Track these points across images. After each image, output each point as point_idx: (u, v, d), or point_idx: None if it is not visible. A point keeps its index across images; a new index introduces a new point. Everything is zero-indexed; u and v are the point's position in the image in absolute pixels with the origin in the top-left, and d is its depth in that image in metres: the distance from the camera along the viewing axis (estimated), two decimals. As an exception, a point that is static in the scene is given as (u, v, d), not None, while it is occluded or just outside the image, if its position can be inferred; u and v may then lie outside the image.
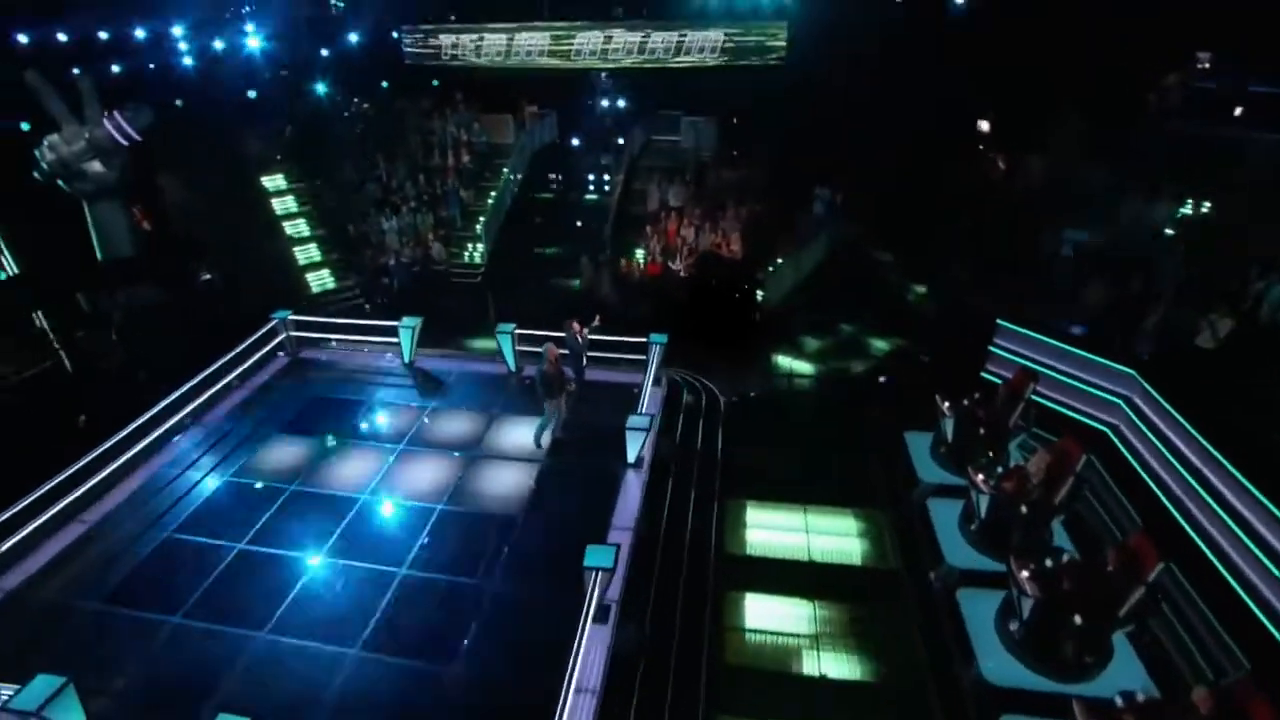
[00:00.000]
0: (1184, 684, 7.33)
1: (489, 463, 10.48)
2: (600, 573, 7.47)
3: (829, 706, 7.57)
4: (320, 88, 22.25)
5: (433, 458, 10.57)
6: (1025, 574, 7.90)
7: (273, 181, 18.33)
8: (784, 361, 14.26)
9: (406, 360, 13.15)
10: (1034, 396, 10.68)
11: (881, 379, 12.04)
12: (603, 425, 10.35)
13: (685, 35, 17.93)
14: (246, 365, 12.47)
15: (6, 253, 17.28)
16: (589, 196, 20.93)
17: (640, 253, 16.24)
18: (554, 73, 20.32)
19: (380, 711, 6.96)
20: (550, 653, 6.99)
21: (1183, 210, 13.07)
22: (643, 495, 9.76)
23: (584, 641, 7.06)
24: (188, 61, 19.92)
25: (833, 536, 9.89)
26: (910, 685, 7.77)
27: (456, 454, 10.64)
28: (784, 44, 18.08)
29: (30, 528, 8.77)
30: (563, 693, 6.46)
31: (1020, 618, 7.96)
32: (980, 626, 8.19)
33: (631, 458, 10.19)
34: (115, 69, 18.06)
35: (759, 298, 14.82)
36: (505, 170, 19.11)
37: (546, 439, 10.50)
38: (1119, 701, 6.58)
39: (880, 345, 14.50)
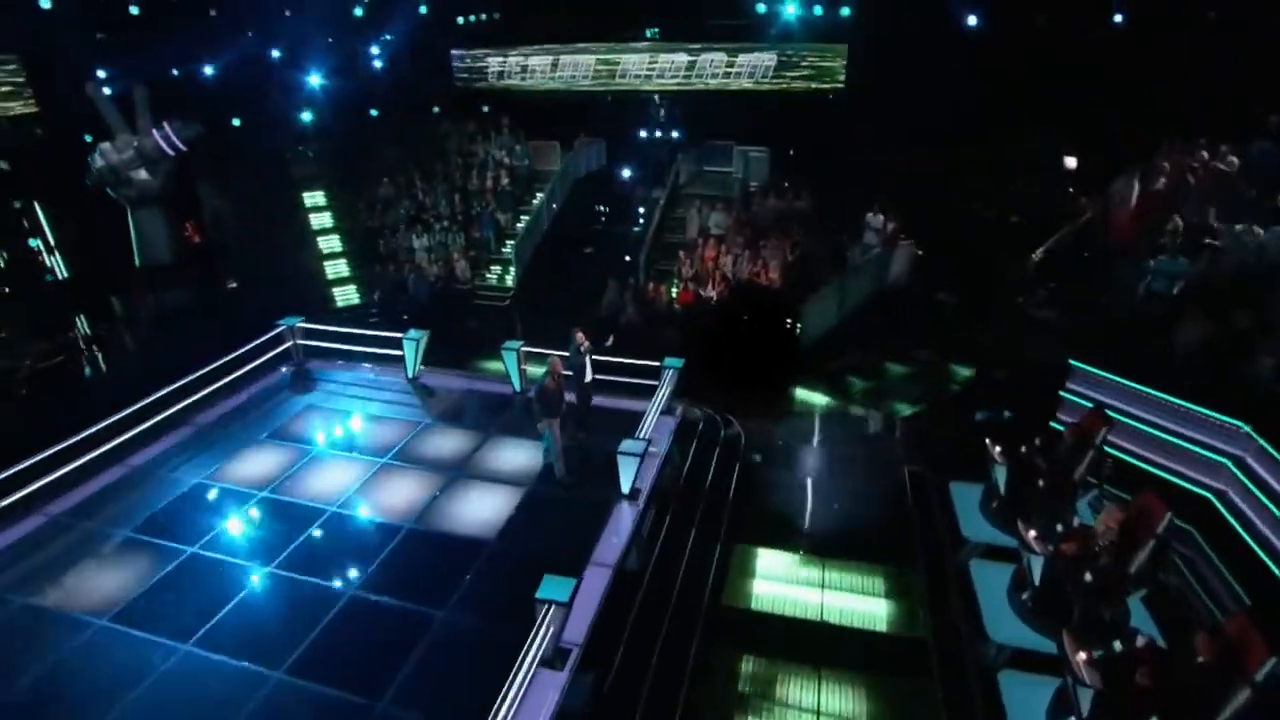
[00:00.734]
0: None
1: (472, 484, 10.02)
2: (554, 607, 6.68)
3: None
4: (373, 112, 23.41)
5: (414, 474, 10.25)
6: (1083, 657, 6.59)
7: (312, 198, 19.02)
8: (819, 399, 13.26)
9: (410, 375, 12.98)
10: (1109, 447, 9.32)
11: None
12: (605, 454, 9.66)
13: (736, 57, 17.78)
14: (247, 369, 12.55)
15: (59, 256, 18.59)
16: (635, 229, 20.75)
17: (675, 281, 15.73)
18: (603, 96, 20.62)
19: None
20: (493, 697, 6.21)
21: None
22: (633, 530, 8.98)
23: (524, 689, 6.25)
24: (246, 83, 21.29)
25: (853, 595, 8.75)
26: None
27: (438, 472, 10.22)
28: (842, 67, 17.65)
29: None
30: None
31: (1077, 715, 6.60)
32: None
33: (625, 487, 9.47)
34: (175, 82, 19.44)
35: (797, 331, 13.98)
36: (541, 195, 19.18)
37: (560, 468, 9.87)
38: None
39: (933, 387, 13.30)
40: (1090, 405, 10.12)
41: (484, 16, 20.56)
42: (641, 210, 20.62)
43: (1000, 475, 9.38)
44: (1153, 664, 6.61)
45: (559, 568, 7.78)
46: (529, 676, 6.35)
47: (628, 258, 17.53)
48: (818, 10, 17.47)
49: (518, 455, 10.62)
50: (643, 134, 22.76)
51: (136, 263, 17.40)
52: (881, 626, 8.36)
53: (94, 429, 9.92)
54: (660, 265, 16.81)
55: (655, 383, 11.29)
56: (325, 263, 18.23)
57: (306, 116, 22.44)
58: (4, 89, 15.53)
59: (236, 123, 21.18)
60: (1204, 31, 14.89)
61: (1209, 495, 9.57)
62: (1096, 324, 11.61)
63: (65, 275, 18.24)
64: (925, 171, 16.34)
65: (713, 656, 7.86)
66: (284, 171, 19.79)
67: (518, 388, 12.37)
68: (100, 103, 16.08)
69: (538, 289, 18.05)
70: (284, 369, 13.30)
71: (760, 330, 13.80)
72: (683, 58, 18.15)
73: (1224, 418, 9.46)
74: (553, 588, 6.85)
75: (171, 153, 16.86)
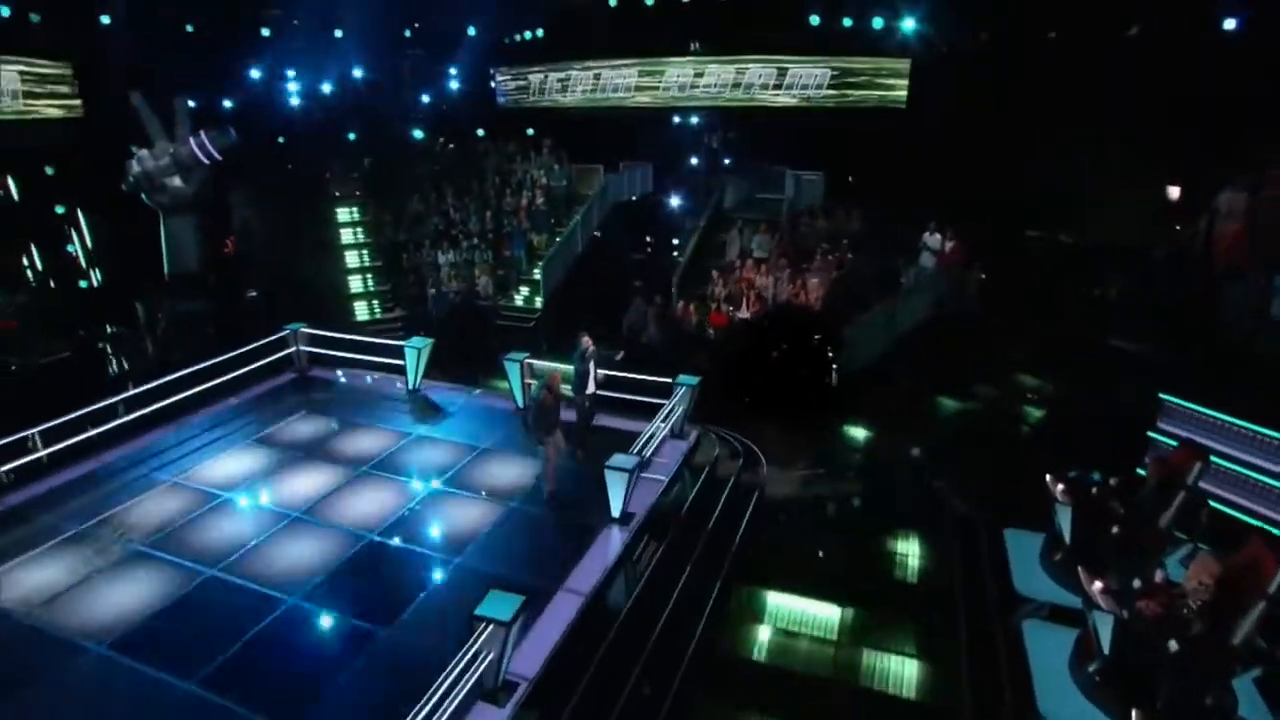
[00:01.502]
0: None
1: (451, 498, 9.55)
2: (492, 628, 5.93)
3: None
4: (417, 133, 24.20)
5: (391, 485, 9.89)
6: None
7: (346, 212, 19.54)
8: (858, 432, 12.20)
9: (411, 386, 12.72)
10: (1203, 489, 7.99)
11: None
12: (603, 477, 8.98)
13: (786, 69, 17.44)
14: (245, 371, 12.53)
15: (96, 263, 19.56)
16: (676, 254, 20.38)
17: (708, 302, 15.12)
18: (648, 116, 20.62)
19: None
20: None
21: None
22: (618, 556, 8.19)
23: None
24: (294, 102, 22.38)
25: (877, 652, 7.61)
26: None
27: (418, 484, 9.82)
28: (905, 82, 17.04)
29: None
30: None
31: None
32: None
33: (615, 509, 8.72)
34: (225, 103, 20.54)
35: (836, 357, 13.07)
36: (576, 216, 19.08)
37: (549, 487, 9.28)
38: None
39: (996, 428, 12.05)
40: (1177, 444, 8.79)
41: (529, 35, 21.02)
42: (683, 236, 20.25)
43: (1065, 520, 8.14)
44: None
45: (525, 590, 7.13)
46: (454, 706, 5.57)
47: (662, 280, 17.04)
48: (877, 23, 17.01)
49: (508, 471, 10.09)
50: (690, 158, 22.68)
51: (166, 271, 18.13)
52: (908, 691, 7.18)
53: (60, 420, 9.89)
54: (696, 290, 16.24)
55: (663, 401, 10.57)
56: (349, 276, 18.52)
57: (352, 136, 23.42)
58: (52, 91, 16.61)
59: (281, 140, 22.19)
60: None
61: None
62: (1196, 354, 10.25)
63: (99, 283, 19.14)
64: (993, 193, 15.38)
65: (695, 708, 6.87)
66: (321, 188, 20.49)
67: (520, 403, 11.86)
68: (142, 110, 17.02)
69: (566, 312, 17.71)
70: (287, 374, 13.27)
71: (795, 354, 12.95)
72: (729, 71, 17.92)
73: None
74: (496, 604, 6.12)
75: (206, 161, 17.63)
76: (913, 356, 13.31)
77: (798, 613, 8.17)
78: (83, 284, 18.72)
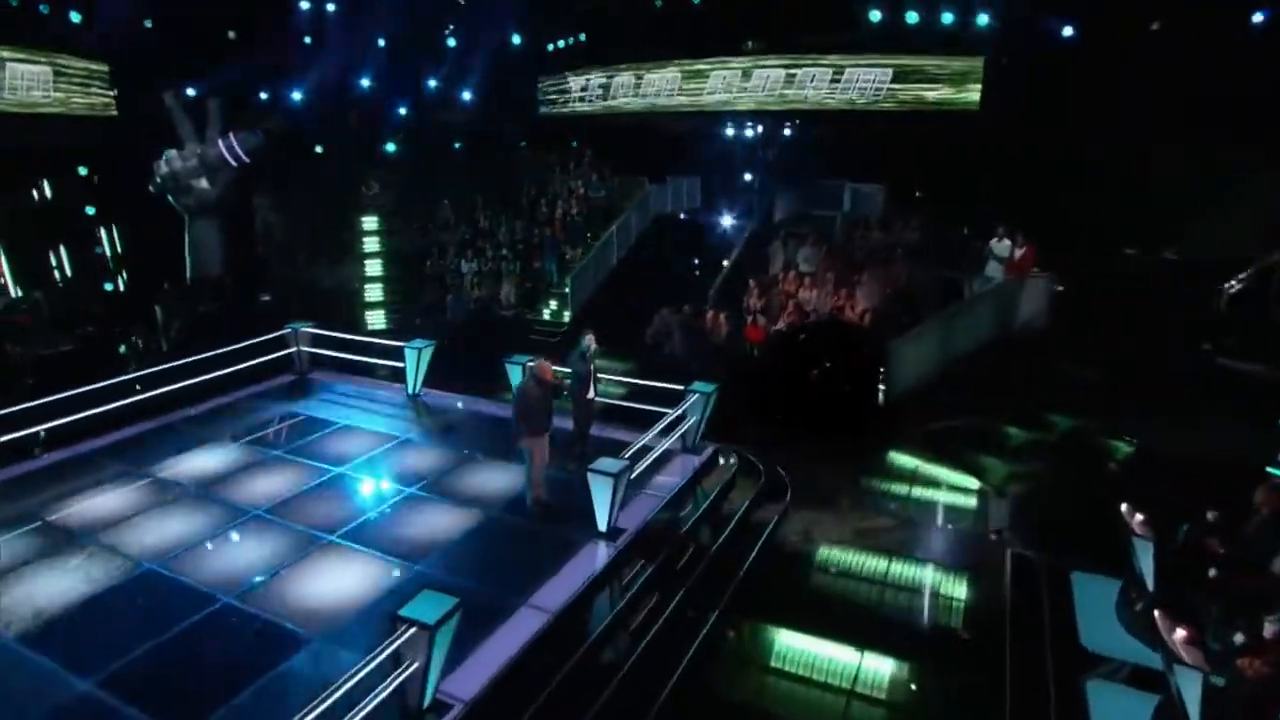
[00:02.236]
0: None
1: (425, 503, 9.14)
2: (414, 631, 5.29)
3: None
4: (456, 145, 24.63)
5: (364, 487, 9.60)
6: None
7: (369, 221, 19.83)
8: (904, 460, 11.15)
9: (411, 390, 12.46)
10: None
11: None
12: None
13: (842, 70, 16.89)
14: (242, 367, 12.55)
15: (123, 267, 20.32)
16: (720, 271, 19.82)
17: (747, 314, 14.40)
18: (694, 123, 20.38)
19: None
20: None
21: None
22: (598, 574, 7.48)
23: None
24: (330, 108, 23.07)
25: (902, 711, 6.57)
26: None
27: (393, 487, 9.47)
28: (978, 83, 16.26)
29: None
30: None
31: None
32: None
33: (601, 522, 8.01)
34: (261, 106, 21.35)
35: (884, 378, 12.14)
36: (611, 228, 18.79)
37: (532, 496, 8.63)
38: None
39: (1074, 464, 10.81)
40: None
41: (571, 40, 21.23)
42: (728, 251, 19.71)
43: (1147, 560, 6.99)
44: None
45: (480, 602, 6.63)
46: (359, 722, 4.92)
47: (698, 295, 16.45)
48: (947, 18, 16.33)
49: (496, 479, 9.61)
50: (743, 172, 22.28)
51: (188, 274, 18.66)
52: (937, 758, 6.13)
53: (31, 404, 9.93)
54: (733, 303, 15.57)
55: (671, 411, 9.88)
56: (367, 284, 18.65)
57: (390, 147, 24.00)
58: (86, 89, 17.51)
59: (319, 150, 22.89)
60: None
61: None
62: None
63: (124, 284, 19.83)
64: (1077, 202, 14.34)
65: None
66: (351, 196, 20.91)
67: (521, 410, 11.35)
68: (174, 110, 17.77)
69: (596, 328, 17.29)
70: (286, 377, 13.25)
71: (837, 371, 12.06)
72: (779, 72, 17.48)
73: None
74: (425, 605, 5.49)
75: (234, 163, 18.22)
76: (972, 377, 12.20)
77: (807, 655, 7.20)
78: (108, 286, 19.41)
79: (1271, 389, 9.88)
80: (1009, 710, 6.39)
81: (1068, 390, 11.70)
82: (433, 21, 23.81)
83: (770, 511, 9.55)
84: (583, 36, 20.90)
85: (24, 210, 18.17)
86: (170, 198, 18.05)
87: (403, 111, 23.53)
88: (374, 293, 18.67)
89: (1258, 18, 14.42)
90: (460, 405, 12.25)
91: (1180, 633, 5.77)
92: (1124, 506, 7.24)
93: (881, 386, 12.26)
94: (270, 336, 13.16)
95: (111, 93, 17.60)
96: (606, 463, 7.92)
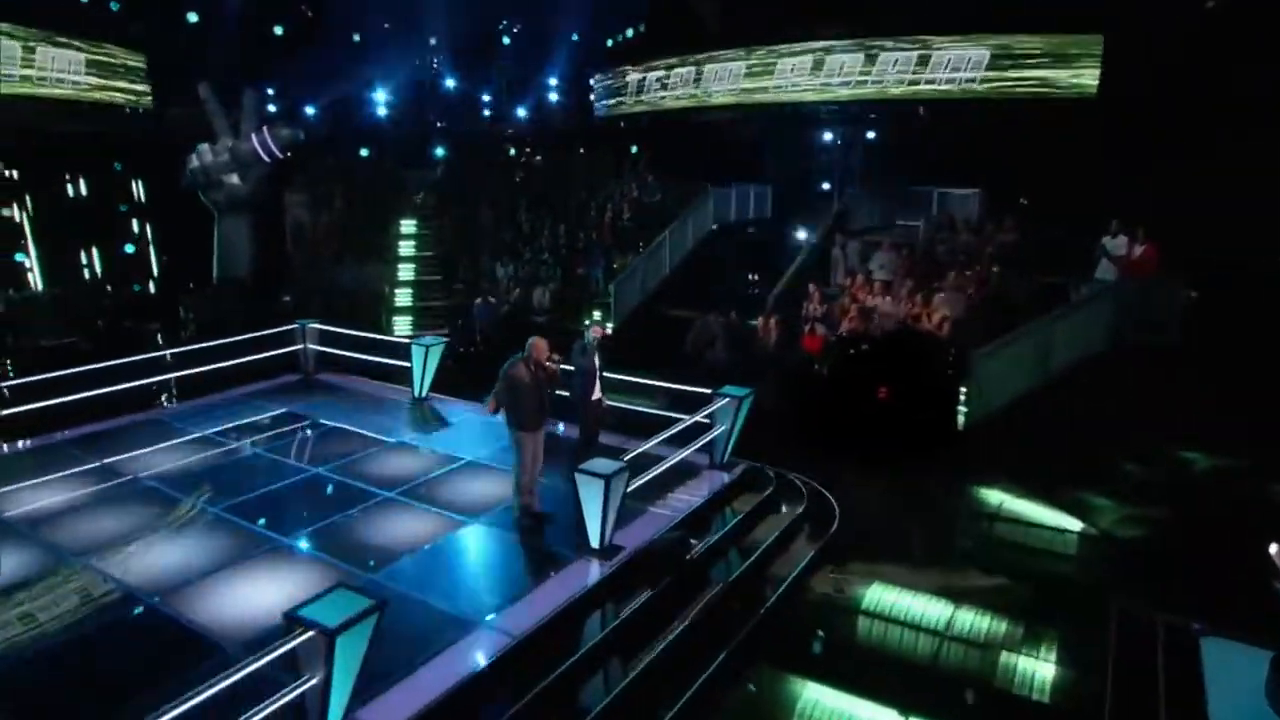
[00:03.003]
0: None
1: (401, 508, 8.60)
2: (311, 636, 4.62)
3: None
4: (511, 151, 24.86)
5: (337, 490, 9.09)
6: None
7: (408, 224, 19.97)
8: (988, 496, 9.92)
9: (418, 394, 12.11)
10: None
11: None
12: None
13: (930, 52, 15.96)
14: (234, 363, 12.47)
15: (156, 268, 21.06)
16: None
17: (805, 322, 13.51)
18: (764, 125, 19.81)
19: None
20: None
21: None
22: (579, 597, 6.67)
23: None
24: (381, 112, 23.71)
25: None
26: None
27: (371, 490, 8.94)
28: (1095, 66, 15.07)
29: None
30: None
31: None
32: None
33: (593, 537, 7.21)
34: (308, 109, 22.05)
35: (965, 398, 11.00)
36: (663, 234, 18.23)
37: (519, 504, 7.89)
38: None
39: (1192, 502, 9.35)
40: None
41: (629, 32, 21.11)
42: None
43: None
44: None
45: (432, 617, 6.20)
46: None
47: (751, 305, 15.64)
48: (1059, -10, 15.31)
49: (488, 487, 9.03)
50: (819, 180, 21.53)
51: (214, 274, 19.09)
52: None
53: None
54: (792, 311, 14.68)
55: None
56: (398, 289, 18.64)
57: (440, 152, 24.41)
58: (123, 78, 18.34)
59: (364, 153, 23.46)
60: None
61: None
62: None
63: (155, 281, 20.52)
64: (1217, 200, 12.89)
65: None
66: (392, 198, 21.18)
67: (536, 419, 10.73)
68: (210, 103, 18.34)
69: (641, 341, 16.67)
70: (288, 377, 13.18)
71: (908, 387, 11.00)
72: (855, 57, 16.66)
73: None
74: (330, 605, 4.81)
75: (266, 158, 18.62)
76: (1077, 397, 10.85)
77: (840, 715, 6.14)
78: (135, 287, 20.09)
79: None
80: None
81: (1200, 416, 10.22)
82: (490, 20, 24.33)
83: (810, 544, 8.51)
84: (642, 27, 20.73)
85: (60, 208, 19.09)
86: (200, 193, 18.56)
87: (459, 114, 24.02)
88: (404, 297, 18.60)
89: None
90: (469, 411, 11.75)
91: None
92: (1274, 548, 5.95)
93: (961, 407, 11.11)
94: (274, 331, 13.09)
95: (144, 88, 18.43)
96: (599, 463, 7.13)
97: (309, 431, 10.90)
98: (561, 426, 10.44)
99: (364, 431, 10.81)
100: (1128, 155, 14.05)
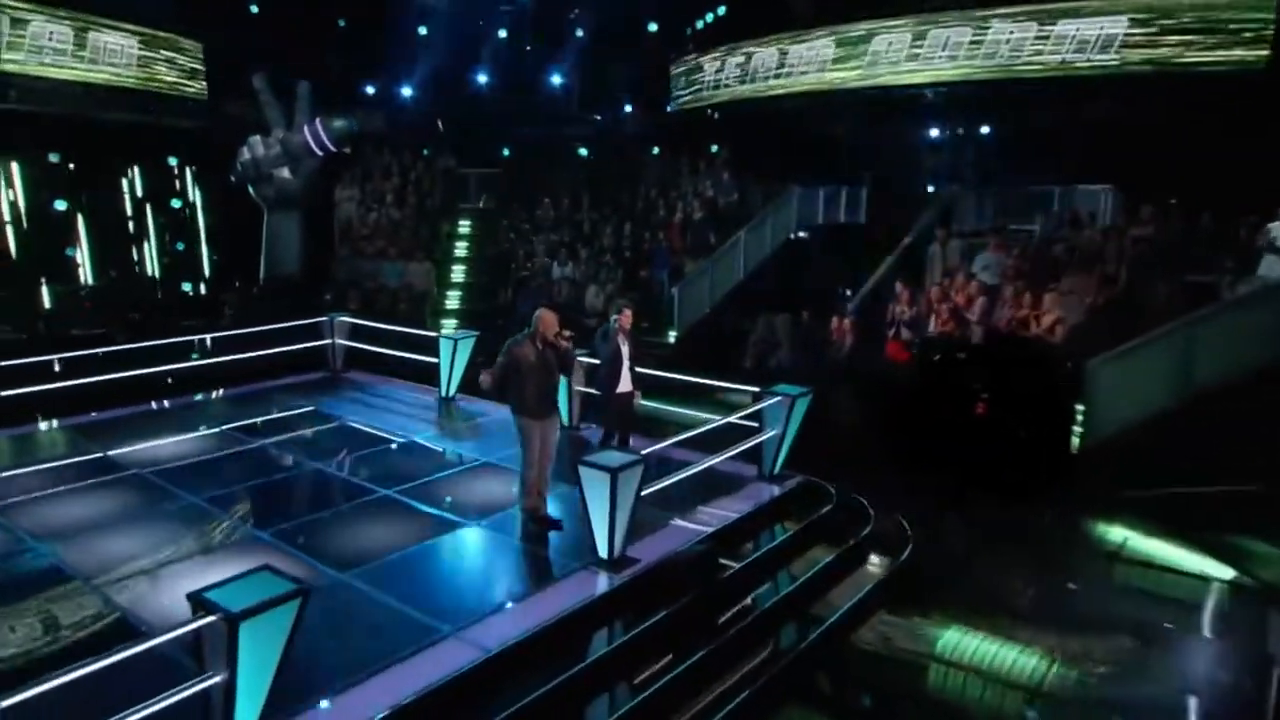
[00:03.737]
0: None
1: (395, 508, 8.22)
2: (214, 622, 4.15)
3: None
4: (582, 151, 24.83)
5: (333, 486, 9.04)
6: None
7: (463, 225, 20.05)
8: (1110, 535, 8.76)
9: (445, 393, 11.89)
10: None
11: None
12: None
13: (1053, 22, 14.87)
14: (256, 354, 12.74)
15: (208, 269, 21.82)
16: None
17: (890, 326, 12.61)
18: (856, 113, 19.04)
19: None
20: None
21: None
22: (570, 612, 6.05)
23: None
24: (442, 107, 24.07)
25: None
26: None
27: (371, 487, 8.66)
28: (1267, 31, 13.71)
29: None
30: None
31: None
32: None
33: (601, 545, 6.57)
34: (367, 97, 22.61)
35: (1083, 417, 9.86)
36: (739, 235, 17.58)
37: (523, 503, 7.44)
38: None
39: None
40: None
41: (709, 17, 20.79)
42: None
43: None
44: None
45: (394, 623, 5.83)
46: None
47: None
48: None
49: (500, 489, 8.52)
50: (918, 177, 20.56)
51: (262, 272, 19.53)
52: None
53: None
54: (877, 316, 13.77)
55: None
56: (448, 290, 18.64)
57: (506, 152, 24.60)
58: (175, 65, 19.18)
59: (426, 153, 23.83)
60: None
61: None
62: None
63: (208, 278, 21.22)
64: None
65: None
66: (450, 197, 21.38)
67: (566, 421, 10.21)
68: (263, 93, 18.86)
69: (703, 351, 16.02)
70: (314, 374, 13.26)
71: (1013, 402, 9.98)
72: (963, 30, 15.70)
73: None
74: (242, 587, 4.34)
75: (319, 151, 18.97)
76: (1232, 418, 9.50)
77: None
78: (186, 286, 20.82)
79: None
80: None
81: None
82: (559, 11, 24.47)
83: (870, 578, 7.63)
84: (722, 10, 20.36)
85: (113, 203, 20.04)
86: (250, 187, 19.04)
87: (519, 112, 24.14)
88: (453, 300, 18.56)
89: None
90: (498, 411, 11.40)
91: None
92: None
93: (1077, 427, 9.95)
94: (300, 324, 13.13)
95: (199, 78, 19.23)
96: (607, 456, 6.50)
97: (317, 427, 10.78)
98: (594, 428, 9.94)
99: (377, 429, 10.64)
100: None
